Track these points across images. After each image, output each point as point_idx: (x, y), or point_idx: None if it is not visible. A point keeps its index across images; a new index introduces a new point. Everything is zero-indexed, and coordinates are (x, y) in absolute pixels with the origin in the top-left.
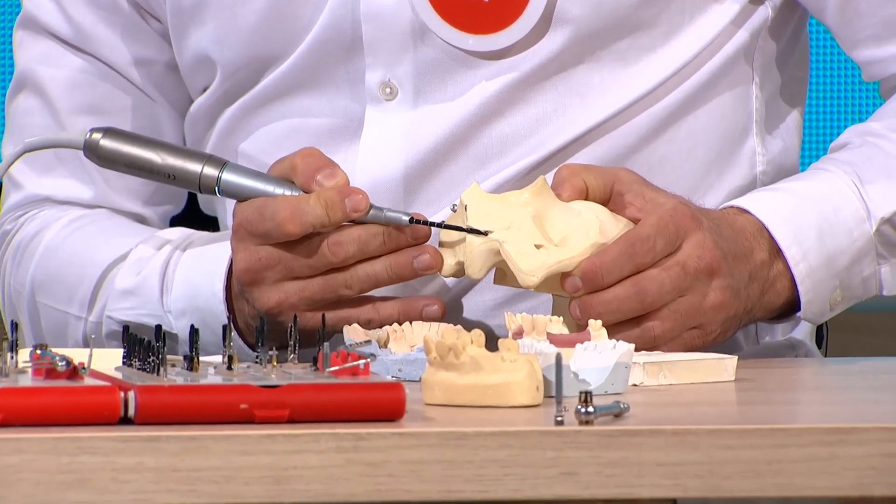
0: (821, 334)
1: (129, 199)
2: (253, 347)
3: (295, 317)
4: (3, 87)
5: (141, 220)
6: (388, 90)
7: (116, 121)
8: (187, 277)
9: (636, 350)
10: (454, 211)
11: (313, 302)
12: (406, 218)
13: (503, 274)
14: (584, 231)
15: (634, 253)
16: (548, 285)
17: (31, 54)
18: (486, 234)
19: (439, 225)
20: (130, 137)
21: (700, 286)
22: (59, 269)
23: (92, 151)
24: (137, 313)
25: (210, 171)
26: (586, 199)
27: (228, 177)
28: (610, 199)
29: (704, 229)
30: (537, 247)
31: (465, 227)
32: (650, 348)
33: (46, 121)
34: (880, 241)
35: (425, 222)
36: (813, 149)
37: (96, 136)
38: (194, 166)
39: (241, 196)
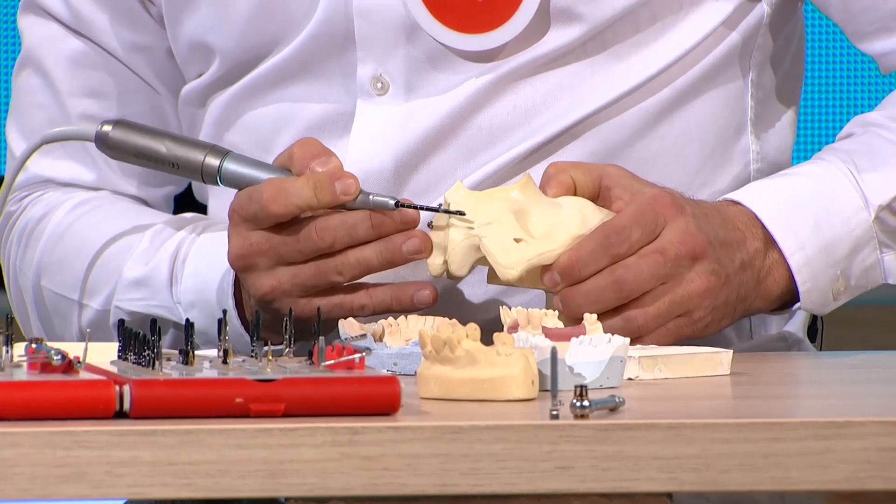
0: (815, 328)
1: (130, 181)
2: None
3: (290, 311)
4: (3, 71)
5: (143, 201)
6: (379, 85)
7: (117, 104)
8: (197, 269)
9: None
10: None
11: (306, 288)
12: (392, 202)
13: (494, 271)
14: (566, 224)
15: (609, 244)
16: (532, 280)
17: (36, 34)
18: (463, 214)
19: (424, 208)
20: (138, 129)
21: (683, 272)
22: (65, 255)
23: (103, 143)
24: (147, 304)
25: (212, 160)
26: (574, 195)
27: (230, 166)
28: (599, 195)
29: (687, 215)
30: (517, 241)
31: (449, 210)
32: (636, 338)
33: (48, 100)
34: (881, 229)
35: (411, 206)
36: (807, 146)
37: (106, 127)
38: (197, 156)
39: (243, 186)
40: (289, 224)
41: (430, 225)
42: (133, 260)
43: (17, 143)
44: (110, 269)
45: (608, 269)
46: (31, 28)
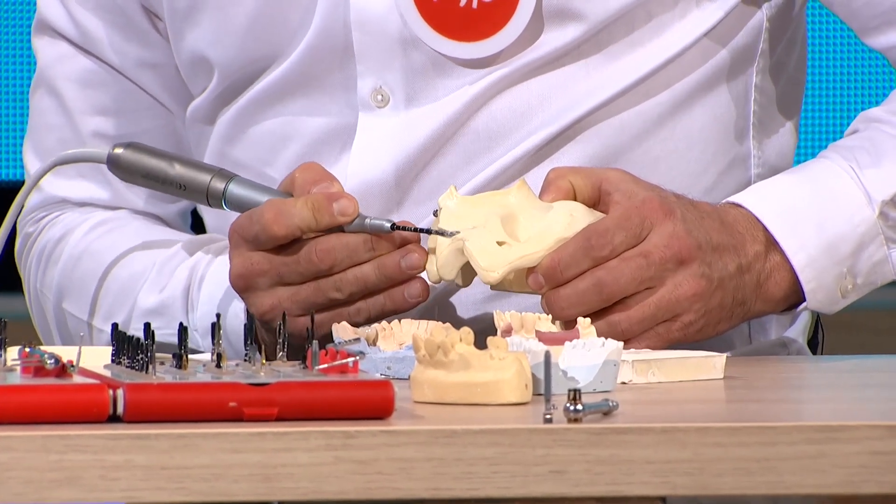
0: (816, 340)
1: (144, 198)
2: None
3: (284, 315)
4: (11, 87)
5: (159, 218)
6: (379, 97)
7: (128, 121)
8: (211, 296)
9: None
10: (436, 216)
11: (306, 306)
12: (388, 225)
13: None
14: (553, 228)
15: (591, 247)
16: (520, 283)
17: (47, 54)
18: (450, 234)
19: (420, 230)
20: (149, 151)
21: (669, 276)
22: (83, 279)
23: (114, 164)
24: (164, 333)
25: (217, 184)
26: (574, 200)
27: (234, 190)
28: (599, 200)
29: (676, 219)
30: (500, 244)
31: (443, 231)
32: (626, 342)
33: (60, 120)
34: (886, 225)
35: (406, 228)
36: (808, 150)
37: (118, 149)
38: (203, 179)
39: (247, 209)
40: (289, 245)
41: (421, 229)
42: (147, 288)
43: (31, 163)
44: (125, 295)
45: (589, 271)
46: (43, 49)
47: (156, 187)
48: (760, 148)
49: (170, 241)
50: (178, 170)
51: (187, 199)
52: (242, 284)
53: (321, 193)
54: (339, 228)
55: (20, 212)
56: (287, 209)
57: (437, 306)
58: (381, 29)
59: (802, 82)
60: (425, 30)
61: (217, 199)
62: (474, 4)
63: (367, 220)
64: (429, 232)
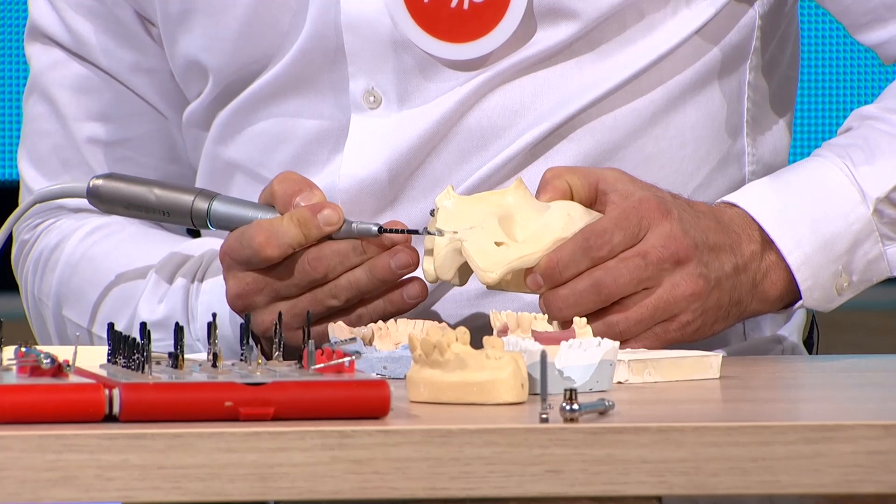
0: (811, 339)
1: None
2: None
3: (280, 314)
4: (11, 86)
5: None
6: (371, 98)
7: (122, 127)
8: (210, 306)
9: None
10: (433, 215)
11: (304, 318)
12: (375, 228)
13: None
14: (551, 228)
15: (589, 247)
16: (517, 284)
17: (40, 60)
18: (441, 234)
19: (406, 231)
20: (128, 179)
21: (667, 276)
22: (81, 286)
23: (95, 197)
24: (166, 344)
25: (200, 204)
26: (570, 200)
27: (218, 209)
28: (596, 200)
29: (673, 219)
30: (498, 244)
31: (430, 231)
32: (623, 342)
33: (54, 126)
34: (881, 222)
35: (393, 230)
36: (803, 148)
37: (97, 181)
38: (185, 201)
39: (233, 227)
40: (280, 260)
41: (408, 230)
42: (146, 297)
43: (26, 170)
44: (124, 303)
45: (587, 272)
46: (37, 55)
47: (139, 216)
48: (754, 145)
49: (166, 246)
50: (157, 195)
51: (172, 224)
52: (241, 304)
53: (305, 207)
54: (329, 236)
55: (14, 223)
56: (276, 230)
57: (431, 304)
58: (371, 31)
59: (795, 79)
60: (416, 31)
61: (202, 220)
62: (465, 5)
63: (355, 225)
64: (416, 232)
